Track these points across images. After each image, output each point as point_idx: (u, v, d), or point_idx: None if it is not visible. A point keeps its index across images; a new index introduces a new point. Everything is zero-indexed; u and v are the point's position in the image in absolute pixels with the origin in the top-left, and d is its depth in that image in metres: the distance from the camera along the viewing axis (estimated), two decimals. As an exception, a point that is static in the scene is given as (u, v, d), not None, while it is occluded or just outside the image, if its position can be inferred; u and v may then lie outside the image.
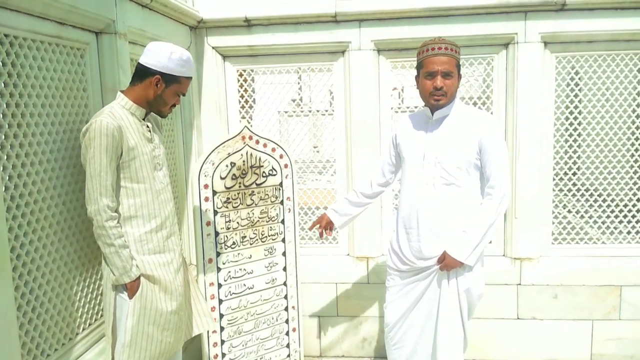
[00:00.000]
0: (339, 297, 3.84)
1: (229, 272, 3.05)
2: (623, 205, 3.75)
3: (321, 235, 3.04)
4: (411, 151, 2.63)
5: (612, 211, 3.75)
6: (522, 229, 3.63)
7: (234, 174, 2.99)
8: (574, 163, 3.76)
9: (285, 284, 3.27)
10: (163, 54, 2.19)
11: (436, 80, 2.46)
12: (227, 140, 2.96)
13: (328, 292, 3.84)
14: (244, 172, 3.03)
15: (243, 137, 3.01)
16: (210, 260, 2.97)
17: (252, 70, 3.86)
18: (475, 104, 3.78)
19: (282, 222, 3.23)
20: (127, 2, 2.65)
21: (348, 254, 3.90)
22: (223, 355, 3.09)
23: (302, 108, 4.03)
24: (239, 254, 3.08)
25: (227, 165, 2.96)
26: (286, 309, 3.30)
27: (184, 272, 2.44)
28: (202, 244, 2.93)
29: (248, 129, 3.02)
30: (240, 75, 3.85)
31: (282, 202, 3.21)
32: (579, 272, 3.66)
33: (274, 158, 3.13)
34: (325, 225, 3.01)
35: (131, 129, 2.16)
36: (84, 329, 2.38)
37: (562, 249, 3.74)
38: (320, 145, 4.61)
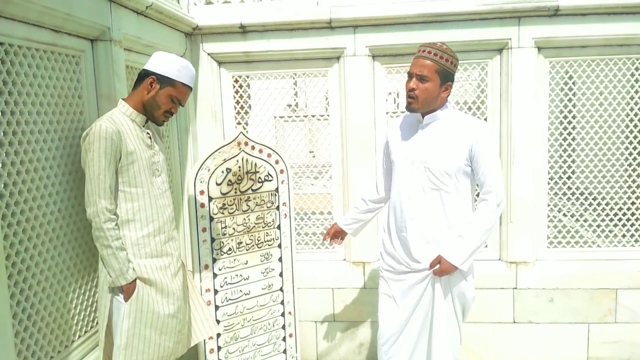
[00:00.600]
0: (336, 302, 3.84)
1: (225, 278, 3.05)
2: (618, 209, 3.77)
3: (331, 242, 3.08)
4: (400, 155, 2.62)
5: (607, 214, 3.77)
6: (517, 233, 3.65)
7: (229, 180, 2.99)
8: (569, 167, 3.77)
9: (281, 289, 3.27)
10: (162, 58, 2.27)
11: (410, 82, 2.46)
12: (223, 146, 2.96)
13: (325, 297, 3.84)
14: (239, 178, 3.03)
15: (239, 143, 3.01)
16: (206, 267, 2.97)
17: (247, 76, 3.87)
18: (470, 108, 3.79)
19: (279, 227, 3.23)
20: (122, 9, 2.66)
21: (344, 259, 3.90)
22: (220, 361, 3.09)
23: (297, 113, 4.04)
24: (235, 260, 3.08)
25: (222, 171, 2.96)
26: (283, 314, 3.30)
27: (182, 277, 2.44)
28: (198, 250, 2.93)
29: (244, 134, 3.02)
30: (236, 81, 3.86)
31: (278, 208, 3.22)
32: (575, 276, 3.67)
33: (269, 164, 3.13)
34: (334, 234, 3.03)
35: (130, 135, 2.20)
36: (79, 337, 2.37)
37: (557, 253, 3.75)
38: (316, 150, 4.61)
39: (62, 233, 2.26)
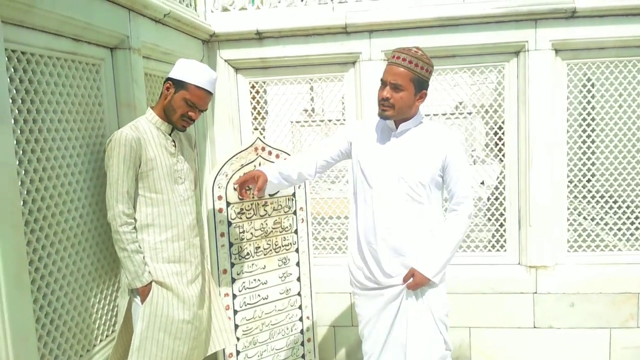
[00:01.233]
0: (354, 306, 3.83)
1: (244, 282, 3.07)
2: (639, 212, 3.71)
3: (242, 193, 2.60)
4: (373, 164, 2.43)
5: (628, 217, 3.71)
6: (536, 236, 3.61)
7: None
8: (589, 170, 3.73)
9: (299, 294, 3.28)
10: (179, 63, 2.32)
11: (383, 90, 2.32)
12: (240, 152, 2.99)
13: (342, 301, 3.83)
14: (257, 183, 3.05)
15: (256, 149, 3.03)
16: (224, 271, 2.99)
17: (264, 82, 3.90)
18: (487, 112, 3.78)
19: (296, 232, 3.24)
20: (141, 17, 2.70)
21: (362, 264, 3.90)
22: (238, 366, 3.10)
23: (314, 118, 4.05)
24: (253, 264, 3.09)
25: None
26: (301, 319, 3.31)
27: (202, 285, 2.46)
28: (217, 255, 2.95)
29: (260, 140, 3.05)
30: (253, 87, 3.89)
31: (295, 212, 3.23)
32: (596, 280, 3.62)
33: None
34: (249, 181, 2.57)
35: (152, 142, 2.26)
36: (101, 341, 2.41)
37: (577, 257, 3.70)
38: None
39: (84, 238, 2.29)
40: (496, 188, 3.87)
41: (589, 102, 3.71)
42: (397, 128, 2.41)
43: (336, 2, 3.64)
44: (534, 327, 3.70)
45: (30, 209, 1.97)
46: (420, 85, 2.32)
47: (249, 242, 3.07)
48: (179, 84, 2.27)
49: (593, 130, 3.73)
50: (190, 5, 3.47)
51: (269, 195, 3.07)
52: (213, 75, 2.35)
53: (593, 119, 3.72)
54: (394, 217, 2.38)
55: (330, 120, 4.02)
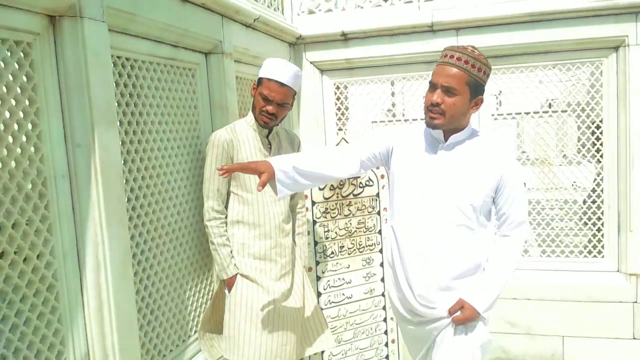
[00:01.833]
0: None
1: (328, 281, 3.11)
2: None
3: (224, 173, 1.95)
4: (413, 182, 2.07)
5: None
6: (637, 242, 3.38)
7: (332, 185, 3.05)
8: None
9: (383, 294, 3.27)
10: (263, 63, 2.40)
11: (433, 94, 1.95)
12: (326, 152, 3.02)
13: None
14: (341, 182, 3.08)
15: (341, 149, 3.06)
16: (310, 269, 3.04)
17: (348, 83, 3.93)
18: (583, 110, 3.59)
19: (379, 232, 3.24)
20: (233, 23, 2.81)
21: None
22: (322, 363, 3.14)
23: (397, 117, 4.03)
24: (337, 263, 3.12)
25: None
26: (385, 320, 3.30)
27: (291, 284, 2.50)
28: (302, 254, 3.01)
29: (345, 140, 3.07)
30: (337, 88, 3.93)
31: (379, 213, 3.22)
32: None
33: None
34: (251, 172, 2.00)
35: (247, 143, 2.37)
36: (195, 332, 2.52)
37: (684, 265, 3.44)
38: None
39: (181, 234, 2.42)
40: (593, 190, 3.67)
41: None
42: (446, 140, 2.05)
43: (422, 0, 3.59)
44: (634, 338, 3.47)
45: (133, 205, 2.10)
46: (477, 90, 1.96)
47: (334, 241, 3.10)
48: (259, 82, 2.36)
49: None
50: (278, 9, 3.55)
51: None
52: (286, 67, 2.32)
53: None
54: (440, 244, 2.04)
55: (414, 120, 3.98)
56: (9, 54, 1.57)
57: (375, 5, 3.71)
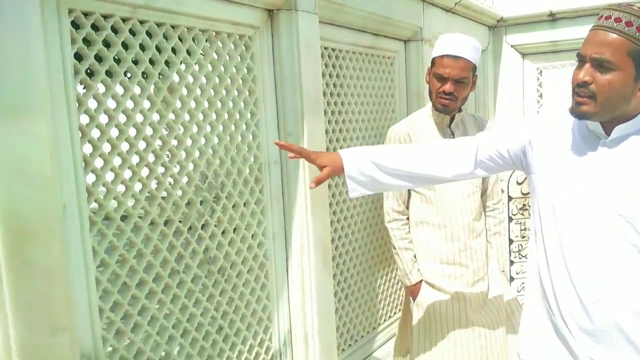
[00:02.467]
0: None
1: (523, 283, 2.89)
2: None
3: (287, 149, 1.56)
4: (564, 189, 1.44)
5: None
6: None
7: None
8: None
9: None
10: None
11: (580, 71, 1.34)
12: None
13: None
14: (544, 177, 2.83)
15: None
16: (502, 271, 2.86)
17: (552, 67, 3.60)
18: None
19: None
20: (433, 8, 2.72)
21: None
22: (513, 367, 2.96)
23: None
24: (534, 264, 2.89)
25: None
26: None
27: (487, 292, 2.20)
28: (496, 250, 2.84)
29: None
30: (540, 73, 3.63)
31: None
32: None
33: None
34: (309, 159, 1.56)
35: (425, 134, 2.09)
36: (385, 320, 2.54)
37: None
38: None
39: (374, 222, 2.43)
40: None
41: None
42: (608, 133, 1.40)
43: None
44: None
45: (333, 192, 2.16)
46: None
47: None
48: (432, 64, 2.03)
49: None
50: (478, -10, 3.38)
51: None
52: (459, 38, 2.00)
53: None
54: (614, 277, 1.39)
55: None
56: (233, 47, 1.70)
57: (588, -19, 3.32)
